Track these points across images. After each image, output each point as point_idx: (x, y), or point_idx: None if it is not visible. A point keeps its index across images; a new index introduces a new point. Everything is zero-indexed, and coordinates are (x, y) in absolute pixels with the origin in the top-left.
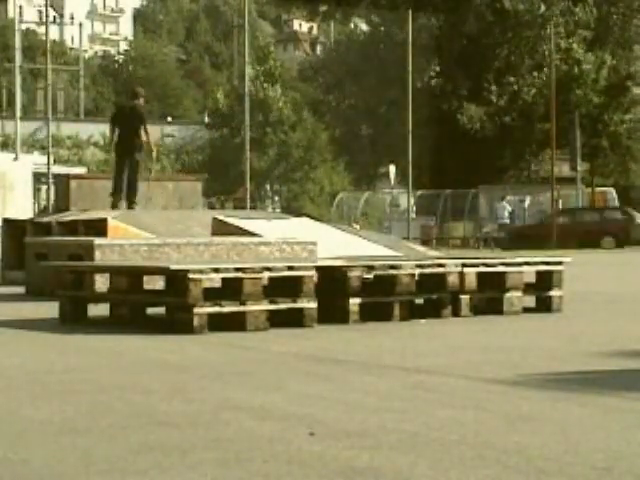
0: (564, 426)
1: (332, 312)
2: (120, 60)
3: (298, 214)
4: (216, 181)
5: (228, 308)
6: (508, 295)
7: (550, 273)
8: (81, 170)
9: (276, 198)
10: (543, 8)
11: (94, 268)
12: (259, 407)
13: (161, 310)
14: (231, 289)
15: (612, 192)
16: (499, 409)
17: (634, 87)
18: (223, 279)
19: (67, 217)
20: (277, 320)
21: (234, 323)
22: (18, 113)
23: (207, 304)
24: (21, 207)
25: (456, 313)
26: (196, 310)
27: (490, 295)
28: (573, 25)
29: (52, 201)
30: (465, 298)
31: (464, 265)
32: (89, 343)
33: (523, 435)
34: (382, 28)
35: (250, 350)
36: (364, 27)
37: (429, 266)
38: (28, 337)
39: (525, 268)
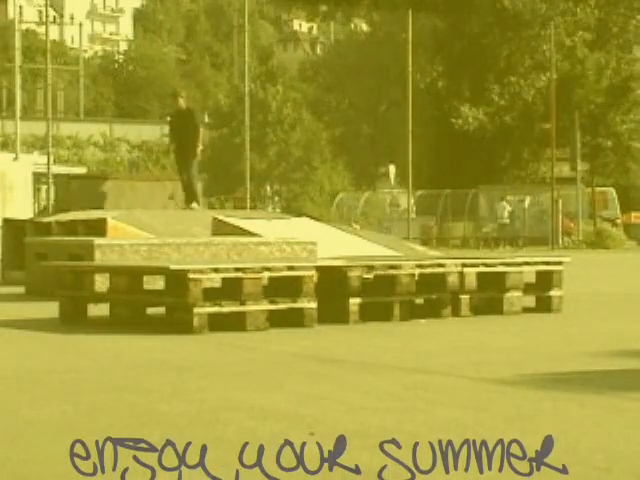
0: (564, 426)
1: (332, 312)
2: (120, 60)
3: (298, 214)
4: (216, 181)
5: (228, 308)
6: (508, 295)
7: (550, 273)
8: (81, 170)
9: (276, 198)
10: (544, 7)
11: (94, 268)
12: (259, 407)
13: (161, 310)
14: (231, 289)
15: (612, 192)
16: (499, 409)
17: (637, 88)
18: (223, 279)
19: (67, 217)
20: (277, 320)
21: (234, 323)
22: (18, 113)
23: (207, 304)
24: (21, 207)
25: (456, 313)
26: (196, 310)
27: (490, 295)
28: (574, 26)
29: (52, 201)
30: (465, 298)
31: (464, 265)
32: (89, 343)
33: (523, 435)
34: (383, 28)
35: (250, 350)
36: (364, 27)
37: (429, 266)
38: (28, 337)
39: (525, 268)
